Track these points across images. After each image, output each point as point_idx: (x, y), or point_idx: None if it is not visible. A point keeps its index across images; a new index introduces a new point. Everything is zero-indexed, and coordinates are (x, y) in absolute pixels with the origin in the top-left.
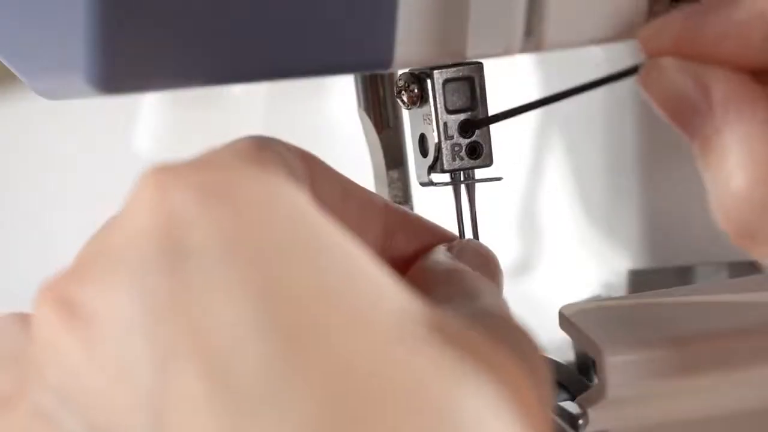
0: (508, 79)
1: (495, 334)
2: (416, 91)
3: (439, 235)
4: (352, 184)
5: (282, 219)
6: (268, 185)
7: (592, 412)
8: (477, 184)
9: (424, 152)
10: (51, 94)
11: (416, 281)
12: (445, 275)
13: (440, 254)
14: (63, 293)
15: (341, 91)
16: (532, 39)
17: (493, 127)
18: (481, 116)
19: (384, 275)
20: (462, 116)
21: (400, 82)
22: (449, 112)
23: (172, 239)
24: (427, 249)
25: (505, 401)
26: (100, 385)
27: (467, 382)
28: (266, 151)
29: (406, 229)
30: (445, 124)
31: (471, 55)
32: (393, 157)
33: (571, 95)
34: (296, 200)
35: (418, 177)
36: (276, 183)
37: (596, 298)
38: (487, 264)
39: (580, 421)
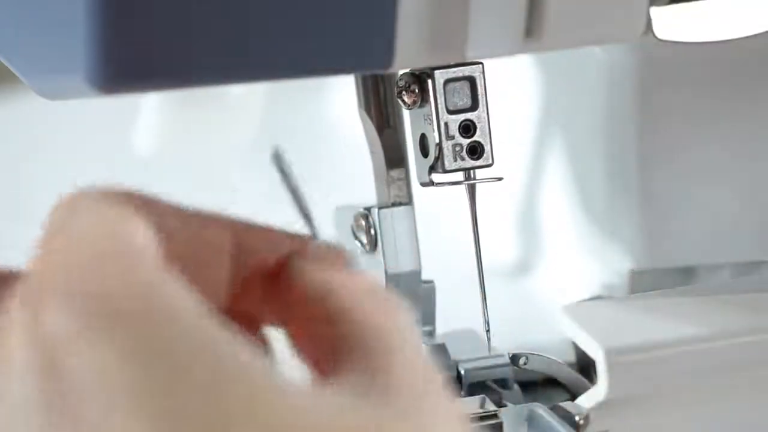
0: (508, 79)
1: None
2: (417, 91)
3: (293, 239)
4: (188, 209)
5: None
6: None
7: (592, 412)
8: (477, 184)
9: (424, 152)
10: (51, 94)
11: (289, 306)
12: (319, 299)
13: (307, 273)
14: None
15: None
16: (532, 39)
17: (493, 127)
18: (481, 116)
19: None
20: (462, 116)
21: (401, 82)
22: (450, 112)
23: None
24: (284, 256)
25: None
26: None
27: None
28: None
29: (259, 240)
30: (446, 124)
31: (471, 55)
32: (393, 157)
33: None
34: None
35: (419, 177)
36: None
37: (596, 298)
38: (340, 260)
39: (581, 421)
